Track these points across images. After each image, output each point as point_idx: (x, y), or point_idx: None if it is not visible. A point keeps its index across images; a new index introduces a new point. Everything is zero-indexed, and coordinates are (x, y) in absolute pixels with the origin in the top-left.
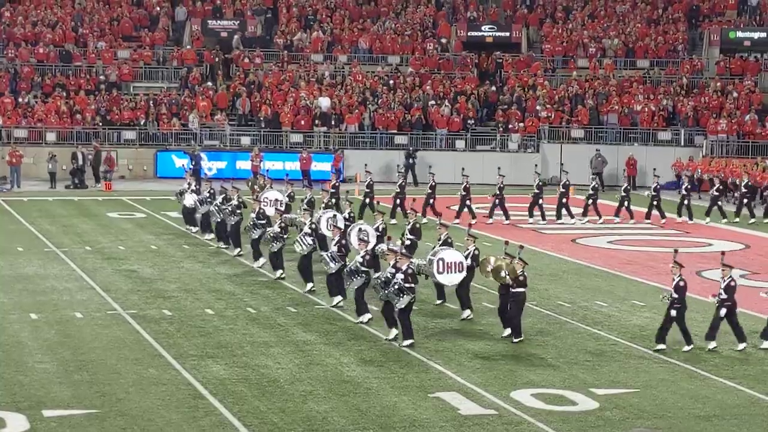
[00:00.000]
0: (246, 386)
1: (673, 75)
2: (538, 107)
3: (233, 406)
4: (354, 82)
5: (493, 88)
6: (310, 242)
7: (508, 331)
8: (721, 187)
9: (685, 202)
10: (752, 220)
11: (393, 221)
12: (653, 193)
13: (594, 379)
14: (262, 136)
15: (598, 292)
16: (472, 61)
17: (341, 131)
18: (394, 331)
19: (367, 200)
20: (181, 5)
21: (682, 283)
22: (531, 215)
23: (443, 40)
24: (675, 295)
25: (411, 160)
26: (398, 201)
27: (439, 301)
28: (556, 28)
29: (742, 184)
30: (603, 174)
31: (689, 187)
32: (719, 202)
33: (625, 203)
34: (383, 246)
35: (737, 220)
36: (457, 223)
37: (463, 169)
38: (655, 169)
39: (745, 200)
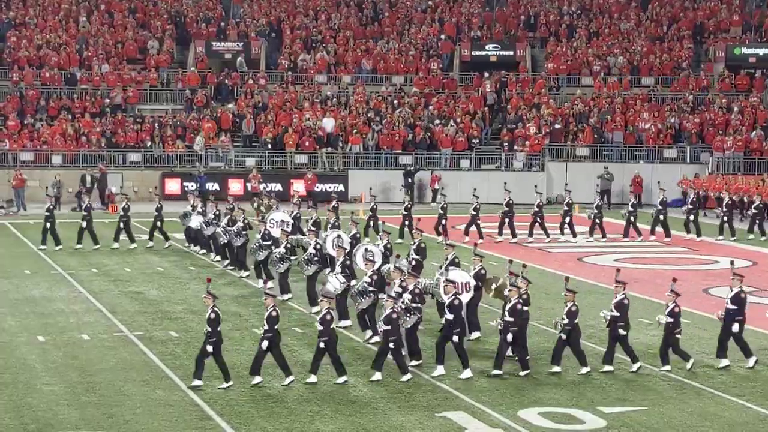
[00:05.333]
0: (253, 407)
1: (679, 92)
2: (534, 127)
3: (241, 426)
4: (357, 103)
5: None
6: (343, 279)
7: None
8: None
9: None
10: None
11: (399, 241)
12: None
13: (602, 397)
14: (267, 158)
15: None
16: (477, 81)
17: (345, 152)
18: (368, 333)
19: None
20: (153, 39)
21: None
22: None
23: (443, 36)
24: (734, 307)
25: (410, 180)
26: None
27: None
28: (560, 46)
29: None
30: (610, 192)
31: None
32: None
33: (632, 220)
34: (390, 266)
35: (751, 237)
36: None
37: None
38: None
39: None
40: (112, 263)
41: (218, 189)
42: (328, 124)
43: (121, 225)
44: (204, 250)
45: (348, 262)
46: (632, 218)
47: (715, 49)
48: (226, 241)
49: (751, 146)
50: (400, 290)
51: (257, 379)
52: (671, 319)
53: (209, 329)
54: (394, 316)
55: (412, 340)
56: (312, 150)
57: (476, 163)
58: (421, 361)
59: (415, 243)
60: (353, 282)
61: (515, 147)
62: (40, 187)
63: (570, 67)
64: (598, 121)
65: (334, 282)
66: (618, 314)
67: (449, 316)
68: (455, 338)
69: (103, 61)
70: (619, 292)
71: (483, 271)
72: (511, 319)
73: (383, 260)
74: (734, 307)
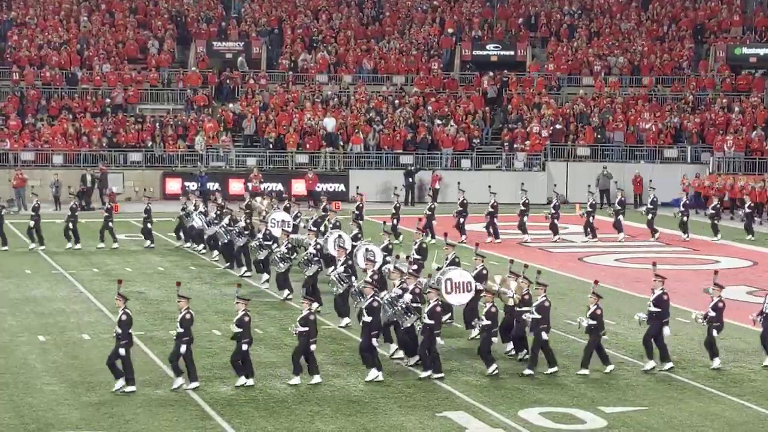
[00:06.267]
0: (253, 406)
1: (679, 92)
2: (537, 125)
3: (241, 426)
4: (358, 103)
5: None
6: (345, 278)
7: (509, 346)
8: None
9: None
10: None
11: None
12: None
13: (602, 397)
14: (268, 157)
15: (606, 310)
16: (478, 81)
17: (346, 152)
18: (393, 347)
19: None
20: (154, 39)
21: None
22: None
23: (450, 29)
24: (656, 309)
25: (411, 180)
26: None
27: (446, 319)
28: (560, 46)
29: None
30: (609, 191)
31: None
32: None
33: (591, 220)
34: (390, 266)
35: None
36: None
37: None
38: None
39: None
40: (112, 263)
41: (219, 189)
42: (329, 123)
43: (69, 225)
44: (205, 250)
45: (350, 262)
46: (590, 218)
47: (716, 49)
48: (226, 241)
49: (752, 146)
50: (400, 291)
51: (179, 381)
52: (593, 322)
53: (119, 331)
54: (312, 317)
55: (412, 339)
56: (314, 149)
57: (477, 163)
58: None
59: (416, 243)
60: (354, 282)
61: (515, 146)
62: (41, 187)
63: (570, 67)
64: (599, 120)
65: (336, 282)
66: (540, 317)
67: (366, 318)
68: (374, 341)
69: (103, 60)
70: (540, 295)
71: (484, 272)
72: (431, 322)
73: (383, 260)
74: (657, 309)
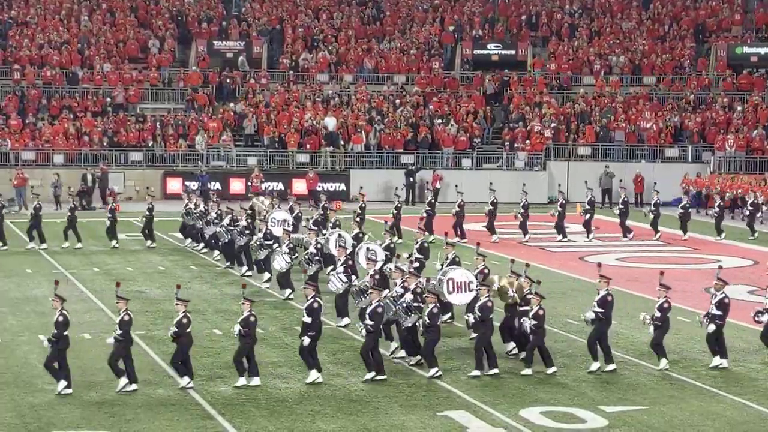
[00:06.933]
0: (254, 406)
1: (680, 92)
2: (539, 125)
3: (242, 425)
4: (359, 102)
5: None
6: (345, 279)
7: (511, 345)
8: (687, 204)
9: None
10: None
11: (399, 240)
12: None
13: (603, 396)
14: (269, 157)
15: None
16: (479, 80)
17: (347, 151)
18: (393, 345)
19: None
20: (155, 38)
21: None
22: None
23: (451, 27)
24: (600, 310)
25: (411, 179)
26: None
27: (446, 318)
28: (561, 45)
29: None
30: (611, 190)
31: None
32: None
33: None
34: (391, 265)
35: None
36: (466, 242)
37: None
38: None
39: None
40: (113, 262)
41: (220, 188)
42: (330, 123)
43: (28, 225)
44: (206, 249)
45: (350, 262)
46: (562, 218)
47: (717, 49)
48: (227, 241)
49: (753, 145)
50: (401, 290)
51: (123, 381)
52: (535, 322)
53: (56, 332)
54: (252, 318)
55: (412, 339)
56: (315, 149)
57: (478, 163)
58: (422, 361)
59: (417, 242)
60: (354, 281)
61: (516, 146)
62: (42, 186)
63: (571, 66)
64: (600, 120)
65: (336, 281)
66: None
67: (307, 319)
68: (306, 340)
69: (104, 60)
70: (483, 296)
71: (486, 271)
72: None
73: (385, 260)
74: (600, 310)
